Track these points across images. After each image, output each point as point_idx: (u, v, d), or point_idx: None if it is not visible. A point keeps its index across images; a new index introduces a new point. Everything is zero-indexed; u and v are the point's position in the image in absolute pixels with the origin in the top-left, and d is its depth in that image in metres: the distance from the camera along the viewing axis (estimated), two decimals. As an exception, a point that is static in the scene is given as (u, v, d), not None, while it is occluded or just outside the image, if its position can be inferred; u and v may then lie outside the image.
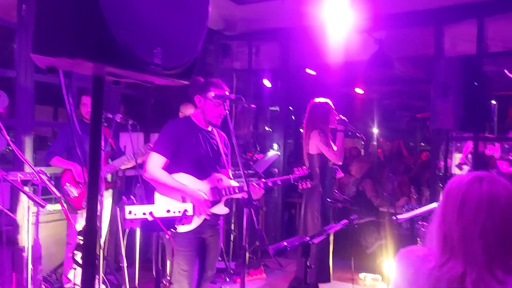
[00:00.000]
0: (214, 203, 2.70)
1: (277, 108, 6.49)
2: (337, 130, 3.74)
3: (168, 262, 2.67)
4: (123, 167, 3.91)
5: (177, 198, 2.68)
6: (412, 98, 9.81)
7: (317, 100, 3.84)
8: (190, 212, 1.92)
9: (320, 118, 3.76)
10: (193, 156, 2.70)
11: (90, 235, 1.36)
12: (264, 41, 6.24)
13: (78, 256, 1.95)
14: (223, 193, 2.71)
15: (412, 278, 1.45)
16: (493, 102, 6.51)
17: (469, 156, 5.90)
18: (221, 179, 2.74)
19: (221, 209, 2.77)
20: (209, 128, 2.84)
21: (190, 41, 1.39)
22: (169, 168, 2.69)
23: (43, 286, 3.46)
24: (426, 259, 1.44)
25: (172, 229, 1.91)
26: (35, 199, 2.38)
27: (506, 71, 5.96)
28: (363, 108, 9.94)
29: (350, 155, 8.46)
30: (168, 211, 1.90)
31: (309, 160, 3.76)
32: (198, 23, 1.41)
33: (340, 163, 3.72)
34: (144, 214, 1.84)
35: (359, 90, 9.25)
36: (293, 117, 7.96)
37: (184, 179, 2.68)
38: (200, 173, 2.72)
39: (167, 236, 1.93)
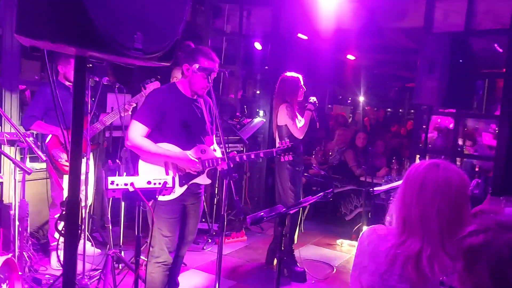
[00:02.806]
0: (198, 173, 2.76)
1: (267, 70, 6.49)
2: (306, 108, 3.93)
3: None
4: (109, 122, 3.95)
5: (161, 165, 2.73)
6: (403, 69, 9.83)
7: (288, 74, 3.97)
8: (170, 184, 2.01)
9: (289, 91, 3.91)
10: (177, 126, 2.70)
11: (73, 206, 1.44)
12: (256, 5, 6.16)
13: (61, 226, 2.00)
14: (206, 164, 2.75)
15: (372, 255, 1.58)
16: (480, 79, 6.56)
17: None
18: (205, 149, 2.77)
19: (203, 179, 2.83)
20: (194, 96, 2.82)
21: (170, 24, 1.42)
22: (153, 138, 2.69)
23: (30, 241, 3.58)
24: (386, 238, 1.57)
25: (152, 200, 2.00)
26: (21, 166, 2.43)
27: (496, 45, 6.00)
28: (353, 75, 9.96)
29: (336, 122, 8.57)
30: (149, 182, 1.98)
31: (278, 130, 3.95)
32: (179, 7, 1.43)
33: (300, 138, 3.87)
34: (125, 185, 1.93)
35: (350, 57, 9.24)
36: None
37: (168, 148, 2.70)
38: (184, 143, 2.73)
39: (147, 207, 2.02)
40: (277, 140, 3.89)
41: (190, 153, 2.74)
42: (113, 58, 1.33)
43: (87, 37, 1.19)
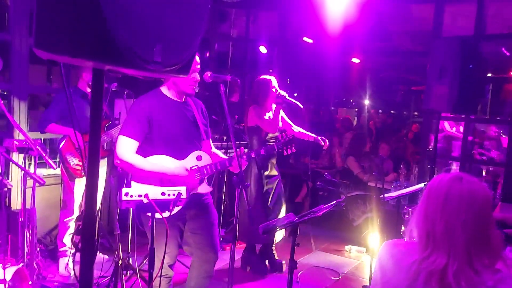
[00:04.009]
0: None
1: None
2: (274, 103, 3.93)
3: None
4: (116, 134, 3.94)
5: (155, 183, 2.50)
6: (409, 72, 9.80)
7: (262, 76, 3.99)
8: (184, 195, 1.98)
9: (259, 93, 3.95)
10: (168, 135, 2.52)
11: (89, 221, 1.42)
12: (263, 9, 6.15)
13: (69, 234, 2.00)
14: (204, 171, 2.60)
15: (393, 270, 1.55)
16: (490, 83, 6.55)
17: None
18: (200, 156, 2.61)
19: (204, 188, 2.67)
20: (183, 99, 2.64)
21: (189, 36, 1.39)
22: (144, 151, 2.50)
23: (38, 248, 3.56)
24: (408, 253, 1.54)
25: (167, 211, 1.98)
26: (35, 177, 2.41)
27: (503, 49, 5.97)
28: (359, 78, 9.93)
29: (342, 126, 8.55)
30: (163, 193, 1.95)
31: (248, 132, 4.01)
32: (198, 19, 1.41)
33: (273, 133, 3.88)
34: (140, 196, 1.90)
35: (355, 60, 9.21)
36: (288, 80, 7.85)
37: (162, 162, 2.52)
38: (178, 152, 2.55)
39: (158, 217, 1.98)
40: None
41: (187, 163, 2.56)
42: (131, 71, 1.31)
43: (107, 52, 1.16)
